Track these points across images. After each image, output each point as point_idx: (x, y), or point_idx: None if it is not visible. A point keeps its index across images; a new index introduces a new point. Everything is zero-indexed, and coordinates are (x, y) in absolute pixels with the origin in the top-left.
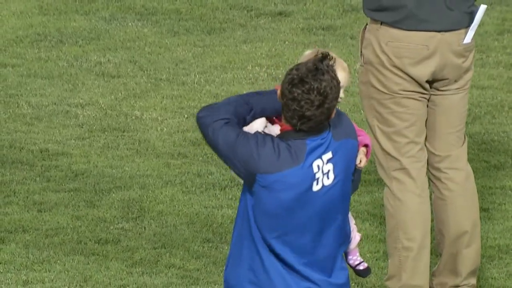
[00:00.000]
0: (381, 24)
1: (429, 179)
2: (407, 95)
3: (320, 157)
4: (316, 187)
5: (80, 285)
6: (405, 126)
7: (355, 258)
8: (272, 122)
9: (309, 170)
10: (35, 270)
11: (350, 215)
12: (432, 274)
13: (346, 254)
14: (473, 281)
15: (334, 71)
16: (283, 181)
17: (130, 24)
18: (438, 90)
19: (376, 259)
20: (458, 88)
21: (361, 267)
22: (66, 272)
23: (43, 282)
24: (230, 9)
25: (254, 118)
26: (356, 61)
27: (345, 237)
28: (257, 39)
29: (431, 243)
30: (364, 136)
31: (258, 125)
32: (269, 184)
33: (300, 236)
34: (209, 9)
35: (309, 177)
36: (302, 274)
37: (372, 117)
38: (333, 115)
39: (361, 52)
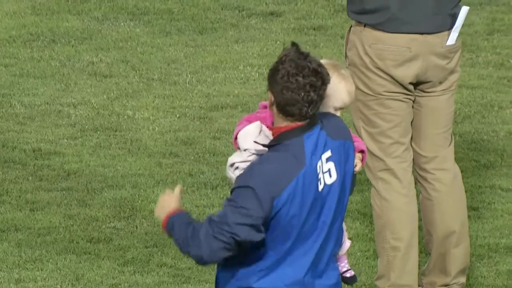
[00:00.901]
0: (364, 26)
1: (416, 179)
2: (391, 96)
3: (320, 156)
4: (320, 187)
5: (72, 283)
6: (390, 127)
7: (343, 265)
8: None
9: (312, 169)
10: (27, 268)
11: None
12: (422, 273)
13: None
14: (462, 279)
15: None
16: (295, 189)
17: (122, 24)
18: (423, 91)
19: (367, 258)
20: (444, 90)
21: (347, 275)
22: (58, 271)
23: (35, 281)
24: (222, 9)
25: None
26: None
27: (341, 239)
28: (249, 39)
29: (419, 243)
30: (359, 142)
31: (253, 128)
32: (284, 201)
33: (312, 242)
34: (200, 9)
35: (314, 177)
36: (304, 280)
37: (358, 118)
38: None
39: (346, 54)
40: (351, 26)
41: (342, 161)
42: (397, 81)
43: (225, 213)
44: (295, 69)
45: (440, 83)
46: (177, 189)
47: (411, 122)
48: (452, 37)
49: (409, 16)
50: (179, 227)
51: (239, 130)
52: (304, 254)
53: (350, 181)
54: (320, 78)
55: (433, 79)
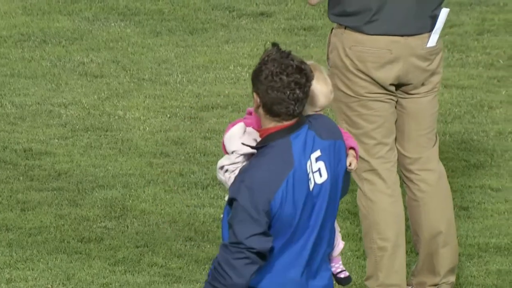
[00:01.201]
0: (345, 28)
1: (402, 180)
2: (373, 97)
3: (309, 156)
4: (310, 186)
5: (63, 283)
6: (373, 128)
7: (337, 266)
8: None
9: (302, 169)
10: (18, 268)
11: (336, 222)
12: (412, 274)
13: (329, 261)
14: (452, 278)
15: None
16: (286, 190)
17: (113, 24)
18: (405, 93)
19: (357, 257)
20: (426, 92)
21: (342, 275)
22: (49, 271)
23: (26, 281)
24: (212, 9)
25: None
26: None
27: (332, 240)
28: (239, 39)
29: (408, 242)
30: (350, 139)
31: (237, 130)
32: (278, 205)
33: (305, 242)
34: (191, 10)
35: (304, 177)
36: (300, 281)
37: (341, 120)
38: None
39: (328, 56)
40: (332, 28)
41: (333, 161)
42: (378, 83)
43: (233, 232)
44: (279, 68)
45: (422, 85)
46: None
47: (395, 123)
48: (433, 39)
49: (390, 18)
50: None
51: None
52: (298, 254)
53: (341, 181)
54: (304, 75)
55: (414, 81)
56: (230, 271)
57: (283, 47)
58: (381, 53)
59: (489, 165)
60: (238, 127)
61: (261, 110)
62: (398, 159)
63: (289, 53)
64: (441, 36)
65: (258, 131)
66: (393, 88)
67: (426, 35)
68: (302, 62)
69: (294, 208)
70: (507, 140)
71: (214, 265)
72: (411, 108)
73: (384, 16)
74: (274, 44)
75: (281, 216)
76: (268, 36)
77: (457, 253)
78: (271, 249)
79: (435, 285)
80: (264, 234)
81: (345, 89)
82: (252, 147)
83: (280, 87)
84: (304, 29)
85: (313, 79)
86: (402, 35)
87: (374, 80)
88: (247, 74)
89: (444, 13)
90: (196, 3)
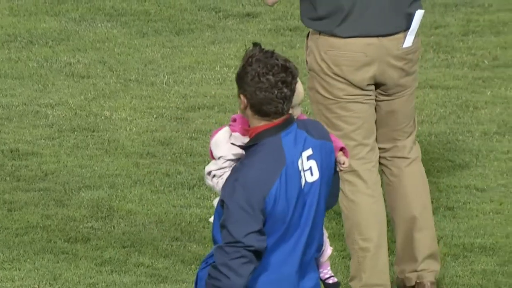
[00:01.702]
0: (319, 33)
1: (380, 168)
2: (351, 99)
3: (300, 154)
4: (302, 184)
5: (49, 283)
6: (352, 130)
7: (325, 272)
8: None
9: (294, 166)
10: (5, 268)
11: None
12: (395, 263)
13: (317, 267)
14: (433, 266)
15: None
16: (279, 188)
17: (99, 25)
18: (382, 94)
19: (343, 257)
20: (403, 91)
21: (330, 281)
22: (36, 271)
23: (13, 281)
24: (199, 10)
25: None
26: None
27: (322, 242)
28: (225, 40)
29: (393, 242)
30: (336, 141)
31: (222, 135)
32: (272, 202)
33: (297, 239)
34: (177, 10)
35: (296, 174)
36: (294, 278)
37: (321, 122)
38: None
39: (306, 59)
40: (309, 32)
41: (324, 161)
42: (355, 85)
43: (229, 232)
44: (264, 68)
45: (400, 85)
46: None
47: None
48: (408, 40)
49: (362, 19)
50: None
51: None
52: (291, 251)
53: (330, 182)
54: (290, 73)
55: (390, 81)
56: (228, 272)
57: (269, 48)
58: (356, 57)
59: (474, 165)
60: (224, 132)
61: (249, 111)
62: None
63: (272, 52)
64: (428, 36)
65: (247, 130)
66: (371, 88)
67: (401, 35)
68: (286, 60)
69: (287, 204)
70: (492, 141)
71: (210, 269)
72: (387, 108)
73: (355, 17)
74: (256, 44)
75: (275, 213)
76: (254, 37)
77: (434, 239)
78: (266, 246)
79: (414, 271)
80: (260, 232)
81: (324, 92)
82: (242, 147)
83: (268, 87)
84: (290, 30)
85: (298, 75)
86: (376, 36)
87: (351, 82)
88: (234, 75)
89: (419, 14)
90: (182, 4)
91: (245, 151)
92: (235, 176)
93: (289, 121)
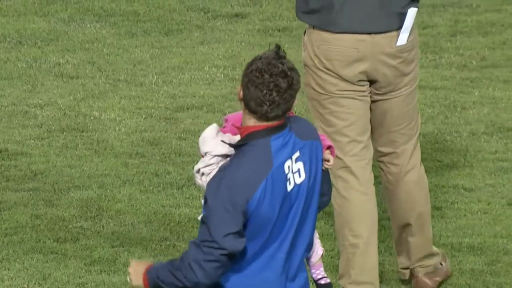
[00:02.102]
0: (313, 28)
1: (379, 171)
2: (344, 94)
3: (290, 157)
4: (289, 187)
5: (39, 283)
6: (345, 126)
7: (318, 272)
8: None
9: (280, 170)
10: None
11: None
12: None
13: (310, 268)
14: (428, 262)
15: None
16: (265, 190)
17: (88, 25)
18: (376, 94)
19: (331, 257)
20: (398, 91)
21: (322, 282)
22: (25, 270)
23: (2, 280)
24: (187, 10)
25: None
26: None
27: (312, 243)
28: (214, 40)
29: (382, 241)
30: (325, 139)
31: (209, 132)
32: (256, 204)
33: (282, 241)
34: (166, 11)
35: (282, 178)
36: (280, 280)
37: (316, 118)
38: (294, 104)
39: (302, 54)
40: (306, 28)
41: (312, 162)
42: (346, 80)
43: (208, 229)
44: (265, 66)
45: (395, 83)
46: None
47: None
48: (402, 38)
49: (354, 15)
50: (162, 273)
51: None
52: (274, 254)
53: (319, 181)
54: (287, 81)
55: (383, 79)
56: (198, 270)
57: (258, 49)
58: (348, 52)
59: (462, 165)
60: (211, 129)
61: (242, 103)
62: (374, 151)
63: (283, 57)
64: (416, 34)
65: (238, 128)
66: (365, 84)
67: (395, 33)
68: (292, 69)
69: (271, 209)
70: (479, 141)
71: (183, 256)
72: (384, 106)
73: (348, 13)
74: (277, 46)
75: (258, 217)
76: (243, 37)
77: (429, 241)
78: (249, 250)
79: (406, 268)
80: (239, 234)
81: (317, 87)
82: (232, 145)
83: (259, 84)
84: (279, 30)
85: (298, 88)
86: (369, 33)
87: (342, 77)
88: (222, 75)
89: (412, 12)
90: (171, 5)
91: (234, 149)
92: (221, 174)
93: (282, 126)
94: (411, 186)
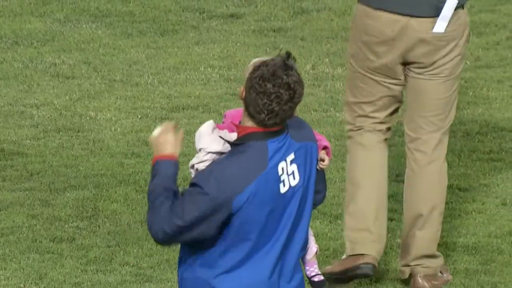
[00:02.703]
0: (358, 1)
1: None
2: (370, 74)
3: (284, 159)
4: (283, 189)
5: (35, 282)
6: (364, 102)
7: (312, 270)
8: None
9: (274, 172)
10: None
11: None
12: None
13: (304, 265)
14: (428, 263)
15: (297, 69)
16: (255, 190)
17: (84, 26)
18: (412, 70)
19: (326, 256)
20: (432, 75)
21: (316, 279)
22: (22, 270)
23: None
24: (183, 11)
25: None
26: (306, 63)
27: (306, 242)
28: (209, 41)
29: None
30: (322, 139)
31: (205, 128)
32: (249, 195)
33: (273, 243)
34: (162, 11)
35: (275, 179)
36: (270, 283)
37: (346, 85)
38: (294, 115)
39: None
40: None
41: (307, 163)
42: (379, 60)
43: (182, 207)
44: (269, 75)
45: (428, 67)
46: (180, 133)
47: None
48: (439, 25)
49: None
50: (160, 180)
51: None
52: (265, 256)
53: (313, 183)
54: (288, 94)
55: (416, 60)
56: (159, 222)
57: (253, 49)
58: (382, 30)
59: (457, 165)
60: (207, 125)
61: (243, 103)
62: (404, 135)
63: (290, 67)
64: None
65: (236, 126)
66: (397, 69)
67: (430, 19)
68: (297, 82)
69: (260, 210)
70: (474, 141)
71: (164, 200)
72: (414, 88)
73: None
74: (288, 53)
75: (245, 216)
76: (238, 38)
77: (434, 242)
78: (238, 253)
79: (407, 265)
80: (208, 223)
81: (352, 60)
82: (228, 142)
83: (261, 92)
84: (274, 31)
85: (299, 102)
86: (404, 15)
87: (376, 55)
88: (217, 75)
89: (451, 2)
90: (166, 5)
91: (230, 146)
92: (212, 167)
93: (280, 131)
94: (431, 177)
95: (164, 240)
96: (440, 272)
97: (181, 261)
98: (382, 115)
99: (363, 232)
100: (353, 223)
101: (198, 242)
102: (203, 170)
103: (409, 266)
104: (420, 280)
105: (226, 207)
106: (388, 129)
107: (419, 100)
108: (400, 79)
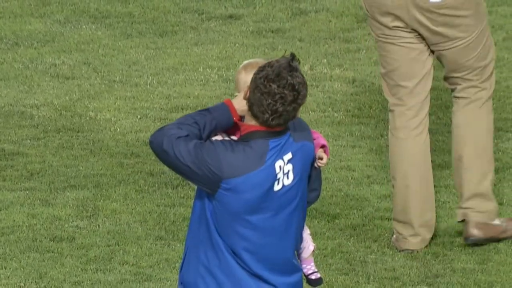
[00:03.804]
0: None
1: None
2: (387, 40)
3: (281, 157)
4: (277, 187)
5: (35, 281)
6: (390, 70)
7: (309, 267)
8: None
9: (271, 170)
10: None
11: (305, 225)
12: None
13: (301, 263)
14: (480, 207)
15: (301, 71)
16: (248, 183)
17: (84, 27)
18: (428, 43)
19: (324, 256)
20: (449, 42)
21: (313, 277)
22: (22, 269)
23: None
24: (182, 12)
25: (209, 136)
26: (304, 63)
27: (299, 240)
28: (208, 42)
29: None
30: (319, 138)
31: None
32: (233, 186)
33: (262, 238)
34: (161, 12)
35: (271, 177)
36: (262, 277)
37: (377, 57)
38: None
39: None
40: None
41: (303, 163)
42: (389, 27)
43: (188, 144)
44: (275, 76)
45: (438, 35)
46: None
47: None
48: None
49: None
50: (203, 116)
51: None
52: (261, 251)
53: (307, 182)
54: (293, 95)
55: (422, 30)
56: (161, 132)
57: (251, 50)
58: (382, 1)
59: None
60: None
61: (247, 103)
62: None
63: (294, 69)
64: None
65: (240, 125)
66: (407, 31)
67: None
68: (301, 84)
69: (245, 202)
70: None
71: (186, 118)
72: (441, 56)
73: None
74: (292, 55)
75: (229, 203)
76: (237, 39)
77: (481, 181)
78: (235, 247)
79: (460, 207)
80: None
81: (371, 31)
82: (232, 140)
83: (265, 93)
84: (272, 32)
85: (303, 103)
86: None
87: (382, 24)
88: (216, 76)
89: None
90: (166, 6)
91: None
92: (219, 146)
93: (283, 132)
94: (471, 117)
95: (155, 148)
96: (493, 220)
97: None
98: (410, 84)
99: (406, 225)
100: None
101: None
102: (213, 143)
103: (461, 208)
104: (471, 229)
105: (214, 184)
106: (426, 105)
107: (449, 65)
108: (415, 36)
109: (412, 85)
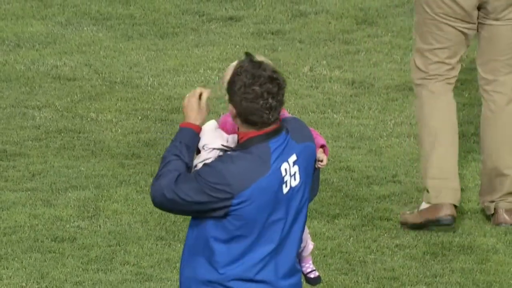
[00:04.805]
0: None
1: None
2: (446, 20)
3: (286, 160)
4: (285, 189)
5: (37, 281)
6: (439, 47)
7: (307, 266)
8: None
9: (277, 173)
10: None
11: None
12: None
13: (300, 261)
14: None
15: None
16: (258, 190)
17: (85, 28)
18: (486, 16)
19: (324, 256)
20: (508, 19)
21: (312, 275)
22: (24, 269)
23: (0, 279)
24: (183, 14)
25: (192, 159)
26: (304, 65)
27: (301, 240)
28: (209, 43)
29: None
30: (319, 138)
31: (208, 127)
32: (245, 198)
33: (270, 241)
34: (162, 14)
35: (278, 181)
36: (265, 280)
37: (415, 33)
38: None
39: None
40: None
41: (307, 164)
42: (456, 5)
43: (187, 181)
44: (251, 79)
45: (502, 11)
46: (203, 98)
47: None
48: None
49: None
50: (174, 147)
51: None
52: (265, 253)
53: (310, 182)
54: (276, 84)
55: (493, 4)
56: (158, 186)
57: (251, 51)
58: None
59: None
60: (210, 124)
61: (238, 120)
62: (478, 79)
63: (261, 63)
64: (407, 40)
65: (238, 133)
66: (473, 14)
67: None
68: (274, 72)
69: (261, 210)
70: (469, 142)
71: (172, 168)
72: (489, 33)
73: None
74: (247, 54)
75: (247, 216)
76: (237, 40)
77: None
78: (235, 251)
79: (492, 201)
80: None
81: (426, 6)
82: (232, 149)
83: (253, 98)
84: (272, 33)
85: (285, 86)
86: None
87: (452, 0)
88: (217, 77)
89: None
90: (166, 8)
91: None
92: (216, 164)
93: (279, 129)
94: (510, 116)
95: (161, 203)
96: None
97: (183, 261)
98: (454, 61)
99: (446, 181)
100: (436, 172)
101: (198, 243)
102: (209, 164)
103: (493, 201)
104: (501, 215)
105: (225, 202)
106: (455, 77)
107: (495, 45)
108: (474, 23)
109: (454, 62)
